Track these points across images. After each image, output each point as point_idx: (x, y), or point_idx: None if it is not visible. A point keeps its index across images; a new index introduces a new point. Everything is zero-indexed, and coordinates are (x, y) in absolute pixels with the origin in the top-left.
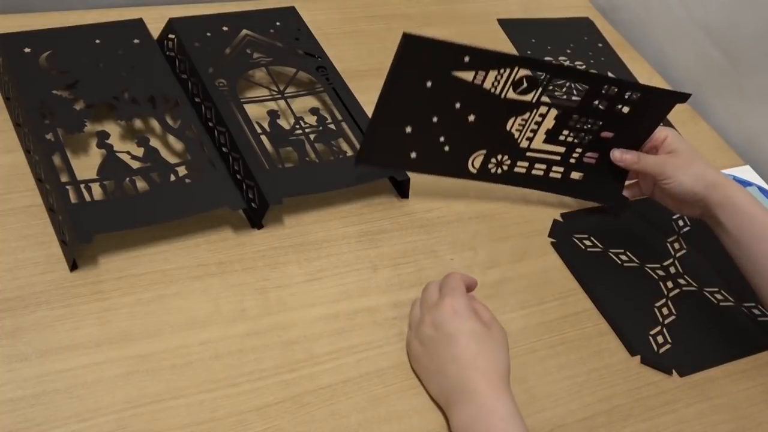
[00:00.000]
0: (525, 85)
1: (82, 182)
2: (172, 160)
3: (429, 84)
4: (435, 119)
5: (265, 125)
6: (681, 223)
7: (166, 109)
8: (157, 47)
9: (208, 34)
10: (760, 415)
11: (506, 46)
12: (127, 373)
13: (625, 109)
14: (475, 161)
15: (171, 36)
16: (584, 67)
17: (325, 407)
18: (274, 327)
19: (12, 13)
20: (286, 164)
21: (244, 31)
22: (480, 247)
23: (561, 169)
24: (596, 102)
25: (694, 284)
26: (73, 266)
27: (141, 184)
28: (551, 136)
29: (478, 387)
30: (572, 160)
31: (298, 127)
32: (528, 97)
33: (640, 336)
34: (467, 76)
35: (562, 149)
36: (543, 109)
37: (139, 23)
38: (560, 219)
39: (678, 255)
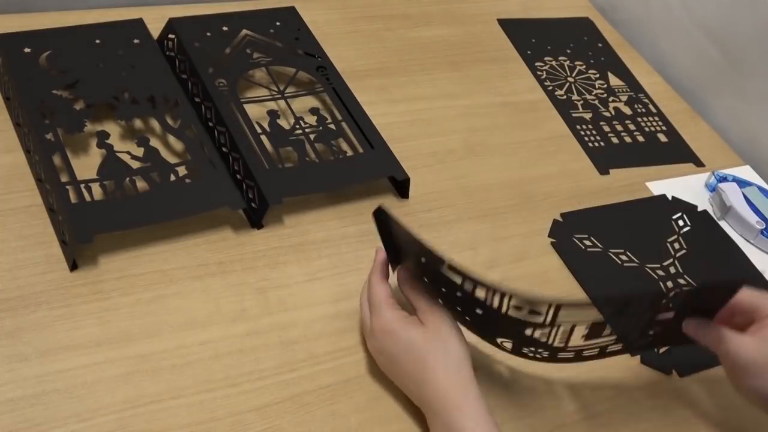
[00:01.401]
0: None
1: (82, 182)
2: (172, 160)
3: (423, 260)
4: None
5: (265, 125)
6: (681, 223)
7: (166, 109)
8: (157, 47)
9: (208, 34)
10: (760, 415)
11: (506, 46)
12: (127, 373)
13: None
14: (505, 344)
15: (171, 36)
16: (584, 66)
17: (325, 407)
18: (274, 327)
19: (12, 13)
20: (286, 164)
21: (244, 31)
22: (480, 247)
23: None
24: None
25: (694, 284)
26: (73, 266)
27: (141, 184)
28: (592, 335)
29: (438, 405)
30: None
31: (298, 127)
32: (539, 319)
33: None
34: (455, 277)
35: (612, 338)
36: (566, 326)
37: (139, 23)
38: (560, 219)
39: (678, 255)
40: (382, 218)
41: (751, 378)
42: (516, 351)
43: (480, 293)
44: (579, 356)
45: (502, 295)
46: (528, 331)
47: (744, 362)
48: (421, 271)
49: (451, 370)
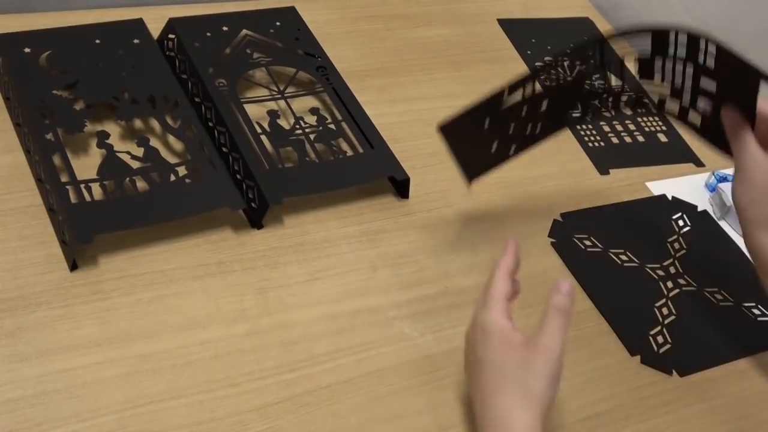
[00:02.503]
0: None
1: (82, 182)
2: (172, 160)
3: (487, 122)
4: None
5: (265, 125)
6: (681, 223)
7: (166, 109)
8: (157, 47)
9: (208, 34)
10: (760, 415)
11: (506, 46)
12: (127, 373)
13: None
14: (575, 114)
15: (171, 36)
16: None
17: (325, 407)
18: (274, 327)
19: (12, 13)
20: (286, 164)
21: (244, 31)
22: (480, 247)
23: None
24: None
25: (694, 284)
26: (73, 266)
27: (141, 184)
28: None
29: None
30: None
31: (298, 127)
32: (591, 67)
33: (640, 336)
34: (516, 97)
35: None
36: (616, 63)
37: (139, 23)
38: (560, 219)
39: (678, 255)
40: (447, 129)
41: (744, 185)
42: (584, 114)
43: (538, 86)
44: (639, 102)
45: (555, 63)
46: (587, 85)
47: (745, 168)
48: (489, 132)
49: (523, 403)
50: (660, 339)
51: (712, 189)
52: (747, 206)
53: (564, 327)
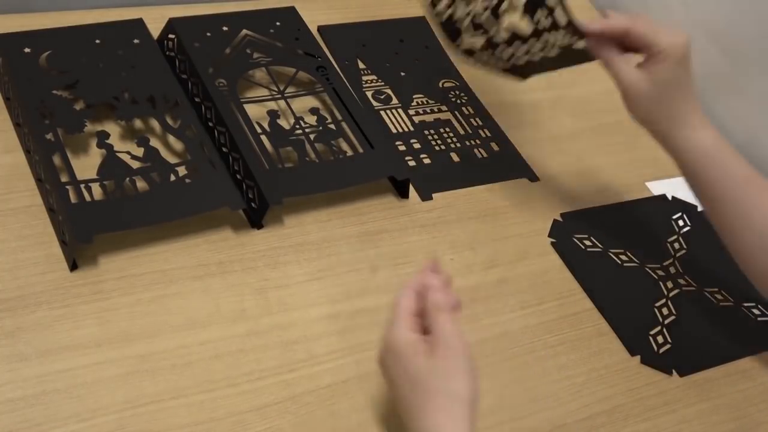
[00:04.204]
0: None
1: (82, 182)
2: (172, 160)
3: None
4: None
5: (265, 125)
6: (681, 223)
7: (166, 109)
8: (157, 47)
9: (208, 34)
10: (760, 415)
11: None
12: (127, 373)
13: None
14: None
15: (171, 36)
16: None
17: (325, 407)
18: (274, 327)
19: (12, 13)
20: (286, 164)
21: (244, 31)
22: (480, 247)
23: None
24: None
25: (694, 284)
26: (73, 266)
27: (141, 184)
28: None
29: None
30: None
31: (298, 127)
32: None
33: (640, 336)
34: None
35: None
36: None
37: (139, 23)
38: (560, 219)
39: (678, 255)
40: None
41: (630, 102)
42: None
43: None
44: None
45: None
46: None
47: (624, 88)
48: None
49: (451, 414)
50: (660, 339)
51: None
52: (646, 117)
53: (451, 319)
